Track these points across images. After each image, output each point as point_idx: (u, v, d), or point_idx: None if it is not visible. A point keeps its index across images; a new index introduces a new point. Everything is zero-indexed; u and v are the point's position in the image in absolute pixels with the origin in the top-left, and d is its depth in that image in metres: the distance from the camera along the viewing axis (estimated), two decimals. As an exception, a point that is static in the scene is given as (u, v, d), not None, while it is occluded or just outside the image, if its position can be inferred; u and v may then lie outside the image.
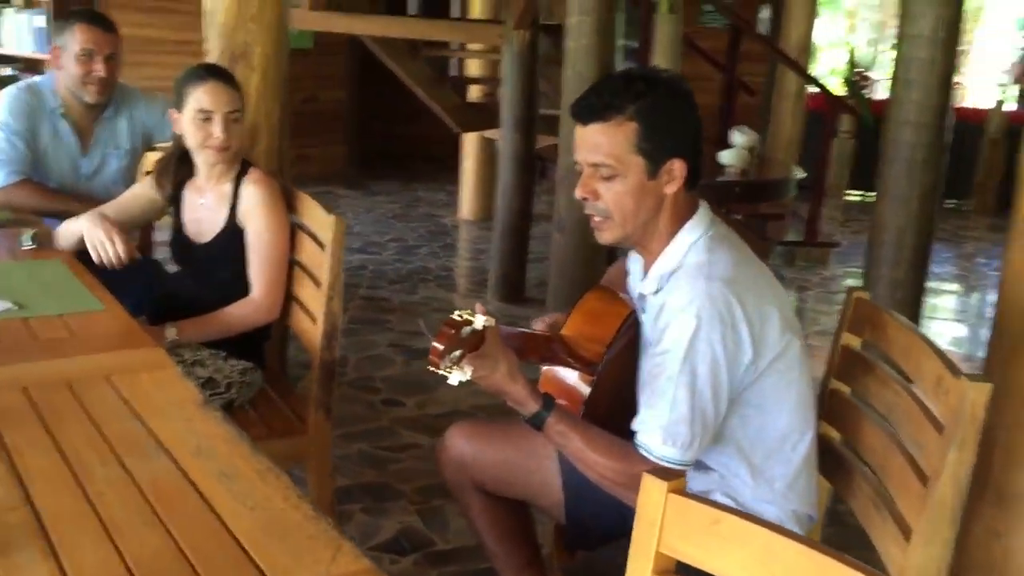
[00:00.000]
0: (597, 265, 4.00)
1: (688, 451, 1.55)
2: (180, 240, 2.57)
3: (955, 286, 6.29)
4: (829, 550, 0.92)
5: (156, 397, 1.71)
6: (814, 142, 6.92)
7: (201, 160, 2.46)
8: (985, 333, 4.88)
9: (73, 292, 2.23)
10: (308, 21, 5.25)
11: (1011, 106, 9.30)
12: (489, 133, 6.46)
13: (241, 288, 2.46)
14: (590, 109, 1.64)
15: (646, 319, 1.75)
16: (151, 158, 3.30)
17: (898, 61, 3.26)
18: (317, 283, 2.35)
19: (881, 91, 10.29)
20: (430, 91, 5.84)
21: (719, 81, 7.13)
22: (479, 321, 1.45)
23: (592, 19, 3.72)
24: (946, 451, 1.44)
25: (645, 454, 1.57)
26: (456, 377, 1.47)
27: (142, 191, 2.62)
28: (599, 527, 1.85)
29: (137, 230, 3.07)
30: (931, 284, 6.05)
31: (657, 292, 1.68)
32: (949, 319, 5.59)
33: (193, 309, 2.43)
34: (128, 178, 3.25)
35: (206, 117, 2.38)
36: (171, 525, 1.30)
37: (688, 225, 1.68)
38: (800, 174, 5.06)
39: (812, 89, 7.14)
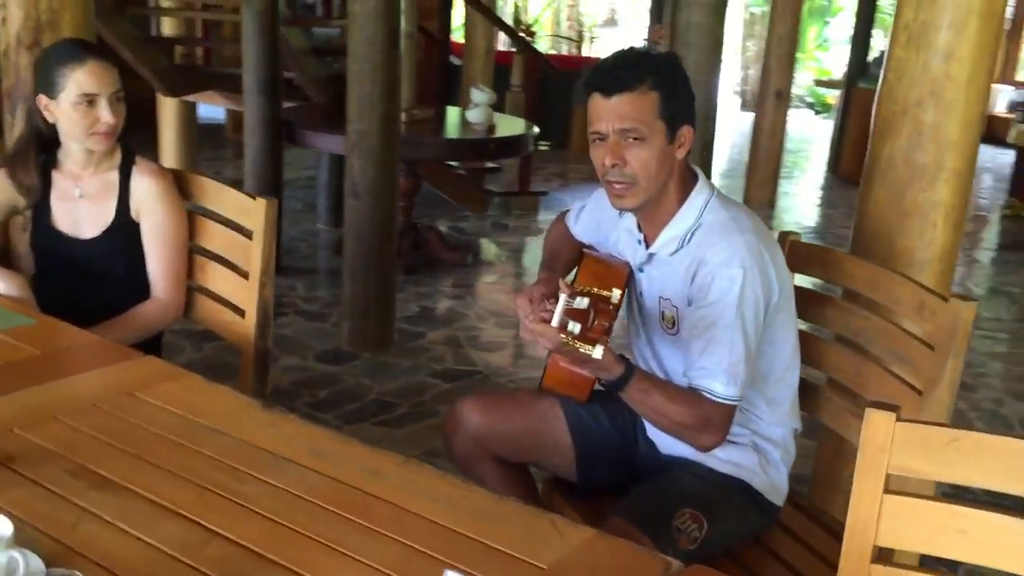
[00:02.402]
0: (391, 229, 4.05)
1: (742, 386, 1.75)
2: (50, 236, 2.29)
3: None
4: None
5: (210, 407, 1.60)
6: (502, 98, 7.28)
7: (80, 148, 2.22)
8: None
9: (-13, 309, 1.95)
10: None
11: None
12: (194, 97, 6.13)
13: (134, 285, 2.28)
14: (616, 81, 1.75)
15: (648, 276, 1.90)
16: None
17: (676, 25, 3.63)
18: (242, 273, 2.24)
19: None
20: (137, 53, 5.41)
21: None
22: (616, 295, 1.51)
23: (379, -18, 3.71)
24: (943, 362, 1.75)
25: (710, 397, 1.74)
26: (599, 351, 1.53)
27: None
28: (606, 475, 2.01)
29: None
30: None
31: (677, 251, 1.84)
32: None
33: (83, 312, 2.20)
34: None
35: (91, 101, 2.15)
36: (381, 529, 1.28)
37: (697, 188, 1.86)
38: (536, 129, 5.37)
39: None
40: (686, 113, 1.81)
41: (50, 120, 2.20)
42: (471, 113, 5.08)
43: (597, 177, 1.85)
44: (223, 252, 2.30)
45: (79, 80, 2.14)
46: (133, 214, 2.26)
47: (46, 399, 1.58)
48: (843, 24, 14.87)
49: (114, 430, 1.50)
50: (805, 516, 2.03)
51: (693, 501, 1.80)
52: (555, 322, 1.55)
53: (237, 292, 2.25)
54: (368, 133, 3.86)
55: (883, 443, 1.25)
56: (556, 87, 9.12)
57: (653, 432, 1.95)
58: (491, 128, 5.06)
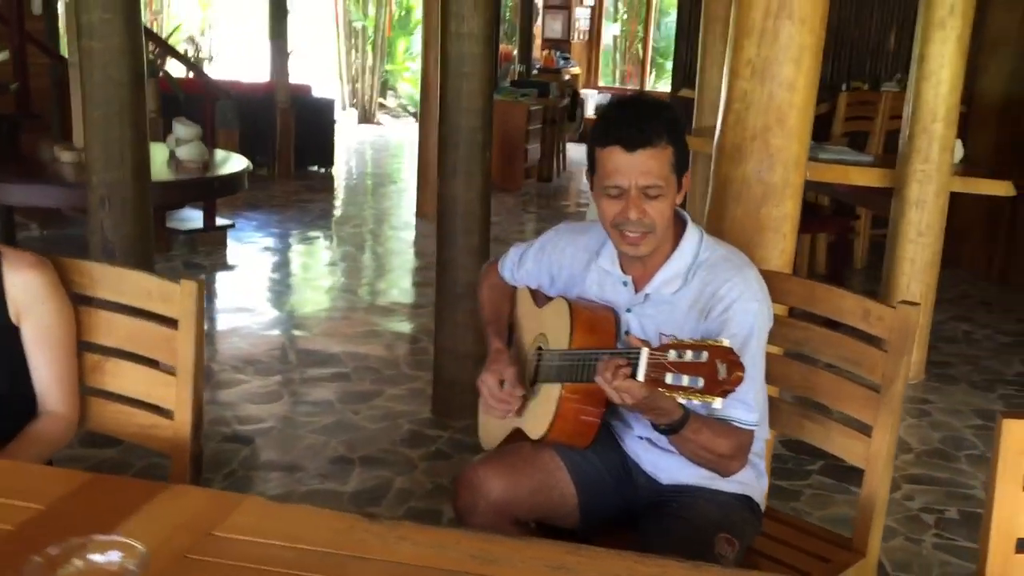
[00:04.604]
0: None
1: (760, 411, 1.87)
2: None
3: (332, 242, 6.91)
4: None
5: (309, 532, 1.40)
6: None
7: (-63, 242, 1.81)
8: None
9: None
10: None
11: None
12: None
13: (20, 400, 1.91)
14: (640, 136, 1.79)
15: (640, 314, 1.95)
16: None
17: (448, 57, 3.65)
18: (161, 368, 1.95)
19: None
20: None
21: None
22: (727, 342, 1.53)
23: (122, 17, 3.31)
24: (898, 360, 2.00)
25: (740, 426, 1.83)
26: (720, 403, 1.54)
27: None
28: (607, 516, 2.03)
29: None
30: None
31: (680, 289, 1.90)
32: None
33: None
34: None
35: None
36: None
37: (688, 228, 1.94)
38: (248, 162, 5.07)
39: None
40: (687, 162, 1.91)
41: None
42: (182, 150, 4.70)
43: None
44: (128, 347, 1.99)
45: None
46: (12, 317, 1.88)
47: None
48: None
49: (244, 584, 1.27)
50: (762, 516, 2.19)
51: (722, 525, 1.89)
52: (641, 376, 1.57)
53: (157, 391, 1.96)
54: (119, 184, 3.45)
55: (1020, 447, 1.43)
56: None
57: (652, 465, 2.01)
58: (206, 165, 4.72)
